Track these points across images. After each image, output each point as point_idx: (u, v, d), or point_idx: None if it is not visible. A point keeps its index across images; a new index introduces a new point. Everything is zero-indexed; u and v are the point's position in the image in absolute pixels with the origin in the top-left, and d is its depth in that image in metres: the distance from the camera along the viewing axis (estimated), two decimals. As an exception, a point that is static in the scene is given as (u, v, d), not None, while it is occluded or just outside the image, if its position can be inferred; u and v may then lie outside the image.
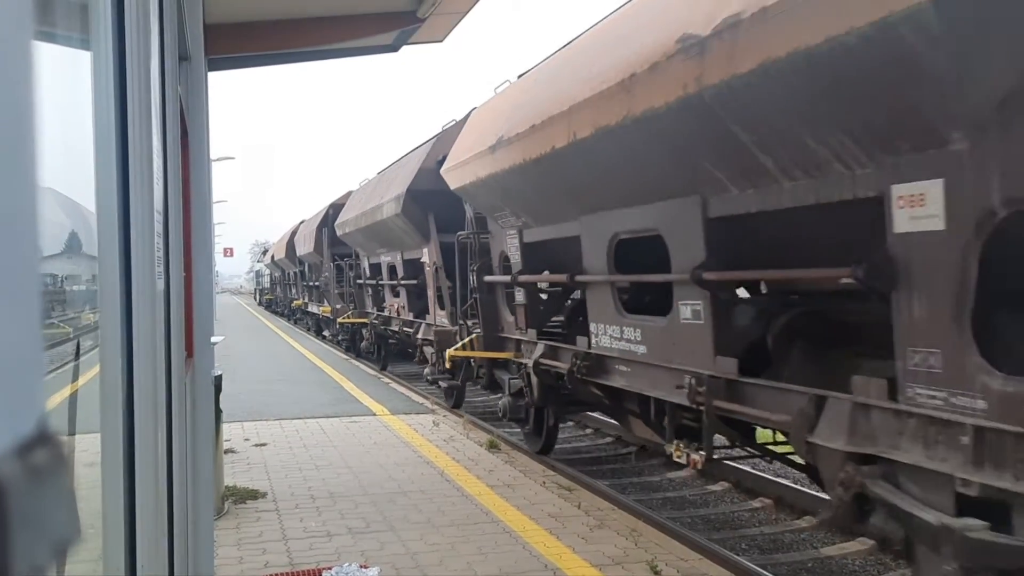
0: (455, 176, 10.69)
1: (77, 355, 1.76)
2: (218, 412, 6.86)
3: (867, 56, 4.06)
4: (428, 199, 14.02)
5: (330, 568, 5.26)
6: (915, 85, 3.95)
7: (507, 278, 9.92)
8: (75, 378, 1.73)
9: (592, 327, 8.14)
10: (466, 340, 11.35)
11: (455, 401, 13.81)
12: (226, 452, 8.76)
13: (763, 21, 4.69)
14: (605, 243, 7.55)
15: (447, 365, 12.00)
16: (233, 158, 50.60)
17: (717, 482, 9.40)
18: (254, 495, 7.55)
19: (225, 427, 8.63)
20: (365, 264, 20.84)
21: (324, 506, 7.24)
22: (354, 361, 19.39)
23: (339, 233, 21.71)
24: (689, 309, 6.33)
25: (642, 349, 7.18)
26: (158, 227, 2.23)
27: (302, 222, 36.97)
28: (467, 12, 5.56)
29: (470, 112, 12.46)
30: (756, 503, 8.60)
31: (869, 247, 4.53)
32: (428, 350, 14.96)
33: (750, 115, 5.02)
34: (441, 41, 6.24)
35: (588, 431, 12.29)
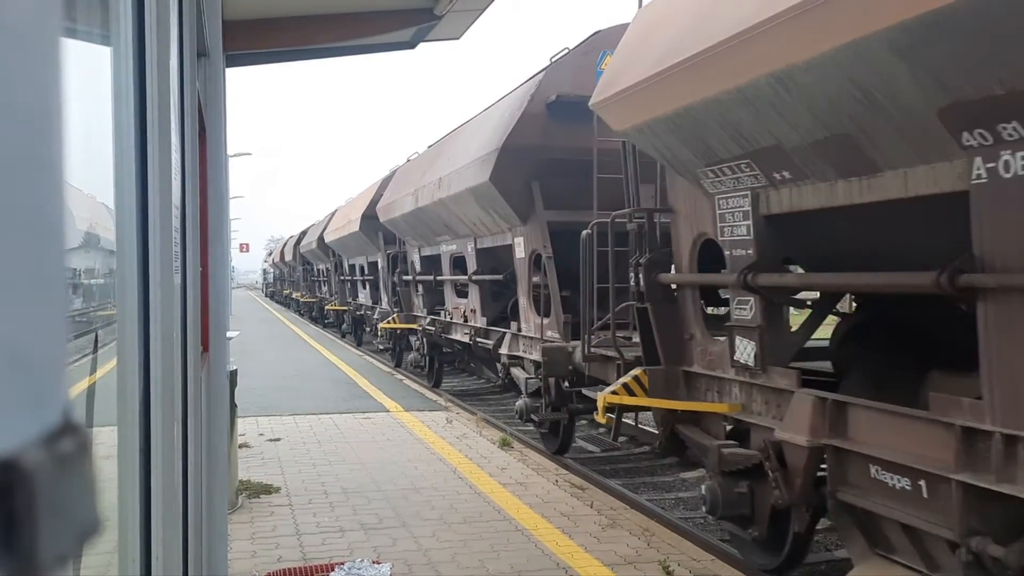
0: (625, 109, 6.80)
1: (95, 348, 1.77)
2: (233, 407, 6.91)
3: None
4: (532, 161, 10.29)
5: (342, 563, 5.28)
6: None
7: (731, 277, 6.07)
8: (92, 371, 1.74)
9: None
10: (628, 377, 7.30)
11: (562, 446, 10.38)
12: (241, 447, 8.81)
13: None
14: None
15: (601, 418, 7.64)
16: (250, 154, 50.89)
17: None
18: (268, 490, 7.59)
19: (240, 422, 8.68)
20: (415, 257, 17.33)
21: (337, 502, 7.27)
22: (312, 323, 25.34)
23: (381, 219, 18.39)
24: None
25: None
26: (175, 222, 2.24)
27: (291, 237, 55.09)
28: (484, 9, 5.56)
29: (595, 35, 10.22)
30: (769, 504, 8.56)
31: None
32: (519, 373, 11.28)
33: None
34: (458, 38, 6.24)
35: (601, 430, 12.08)
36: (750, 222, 5.93)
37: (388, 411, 12.22)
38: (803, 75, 4.69)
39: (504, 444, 9.70)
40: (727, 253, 6.20)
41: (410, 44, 6.23)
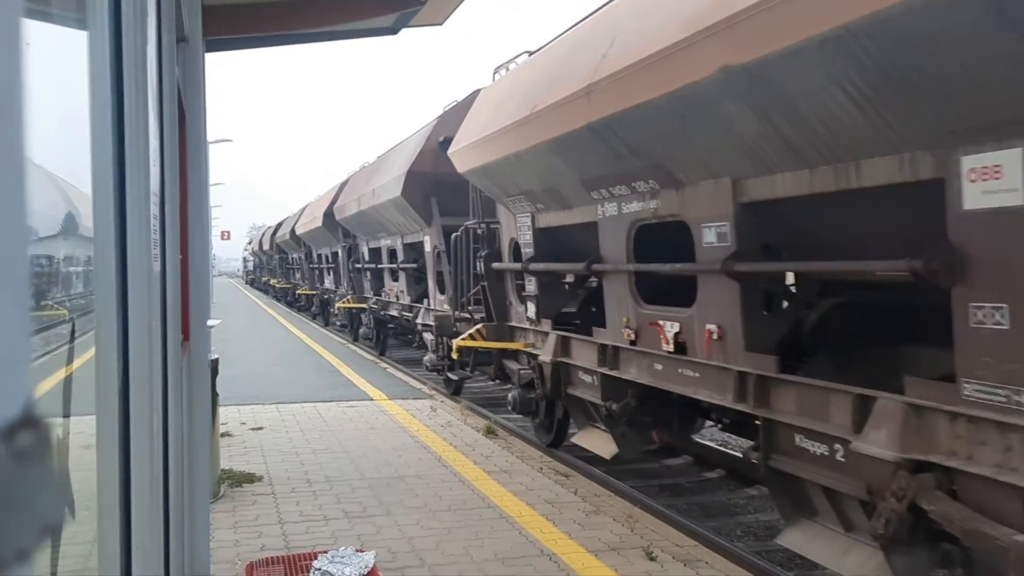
0: (463, 158, 10.59)
1: (72, 337, 1.75)
2: (214, 396, 6.87)
3: None
4: (429, 182, 14.08)
5: (326, 552, 5.27)
6: None
7: (517, 266, 9.98)
8: (70, 360, 1.72)
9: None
10: (472, 330, 11.12)
11: (455, 389, 13.82)
12: (223, 436, 8.77)
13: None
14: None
15: (454, 355, 11.71)
16: (231, 140, 50.89)
17: (713, 469, 9.43)
18: (250, 479, 7.56)
19: (222, 411, 8.64)
20: (364, 248, 21.14)
21: (321, 490, 7.26)
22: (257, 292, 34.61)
23: (337, 217, 22.64)
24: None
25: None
26: (154, 209, 2.21)
27: (268, 227, 59.72)
28: (467, -5, 5.52)
29: (475, 92, 12.63)
30: (752, 491, 8.64)
31: None
32: (428, 336, 14.94)
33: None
34: (441, 24, 6.19)
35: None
36: (531, 232, 9.63)
37: (372, 399, 12.21)
38: (526, 155, 8.46)
39: (489, 432, 9.71)
40: (523, 251, 9.91)
41: (392, 30, 6.18)
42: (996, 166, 3.83)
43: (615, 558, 5.61)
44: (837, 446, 4.98)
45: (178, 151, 3.32)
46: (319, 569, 4.92)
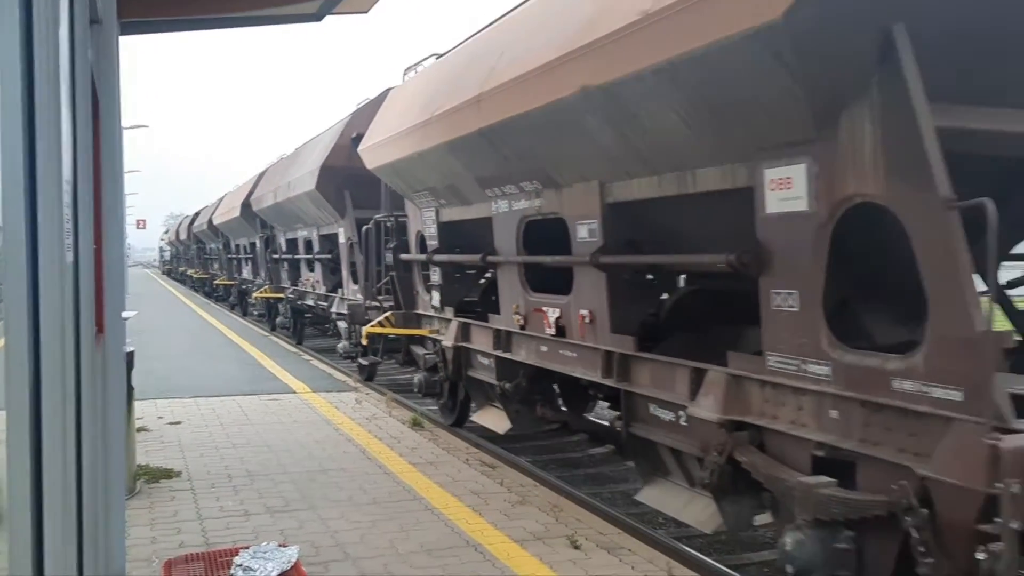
0: (372, 155, 11.12)
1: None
2: (130, 389, 6.67)
3: None
4: (343, 176, 14.55)
5: (248, 547, 5.18)
6: None
7: (423, 257, 10.63)
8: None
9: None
10: (382, 317, 11.85)
11: (368, 375, 14.18)
12: (139, 431, 8.51)
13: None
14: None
15: (364, 341, 12.48)
16: (147, 126, 49.24)
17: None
18: (168, 474, 7.37)
19: (138, 405, 8.38)
20: (282, 240, 21.62)
21: (241, 485, 7.12)
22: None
23: (254, 208, 22.77)
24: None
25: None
26: (67, 198, 2.14)
27: (186, 217, 58.95)
28: (393, -16, 5.46)
29: (386, 91, 12.96)
30: (672, 478, 8.84)
31: None
32: (342, 325, 15.46)
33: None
34: (366, 12, 6.12)
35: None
36: (436, 225, 10.12)
37: (295, 392, 12.03)
38: (428, 155, 9.07)
39: (415, 424, 9.68)
40: (428, 243, 10.44)
41: (316, 16, 6.07)
42: (788, 178, 4.65)
43: (540, 547, 5.68)
44: (680, 412, 5.79)
45: (91, 137, 3.21)
46: (240, 565, 4.84)
